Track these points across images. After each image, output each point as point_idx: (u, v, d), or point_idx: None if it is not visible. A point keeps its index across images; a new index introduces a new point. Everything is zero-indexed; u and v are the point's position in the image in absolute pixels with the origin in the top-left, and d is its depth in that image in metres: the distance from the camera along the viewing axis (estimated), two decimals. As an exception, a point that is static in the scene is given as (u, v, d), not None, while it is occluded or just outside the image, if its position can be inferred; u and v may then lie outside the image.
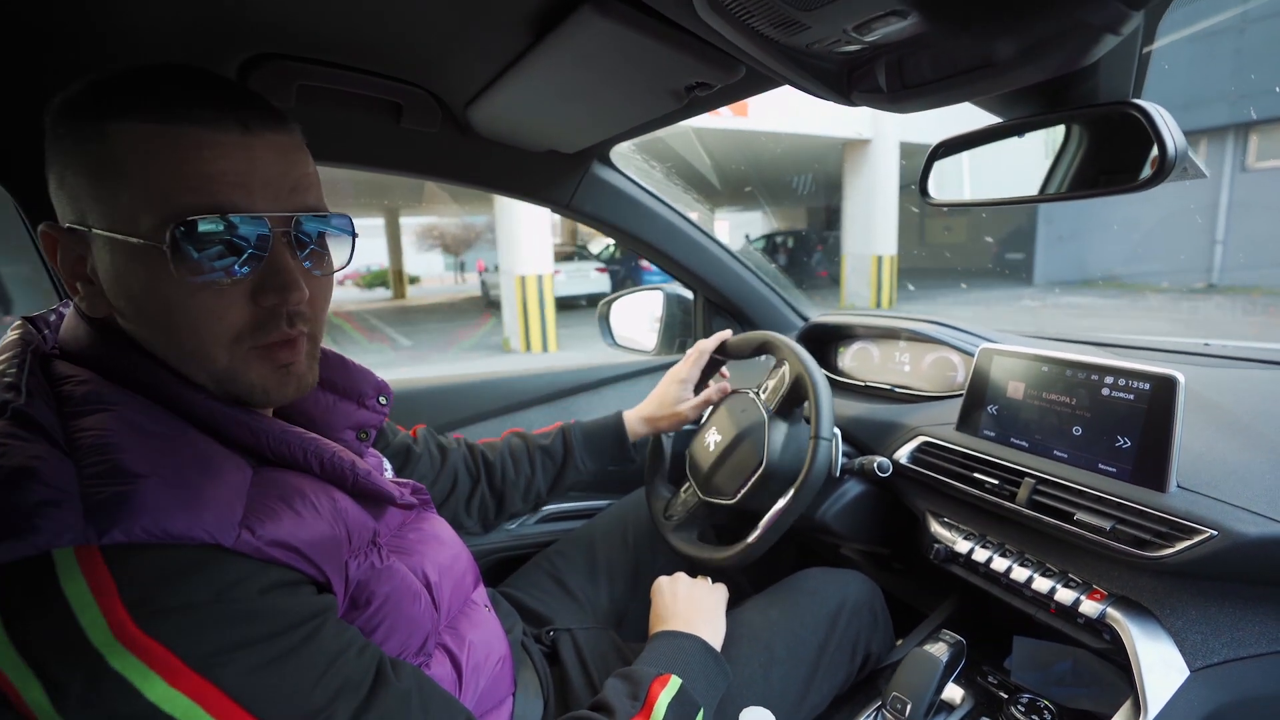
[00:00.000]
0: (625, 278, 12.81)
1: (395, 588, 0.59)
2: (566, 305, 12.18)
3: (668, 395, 1.15)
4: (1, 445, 0.42)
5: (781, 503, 0.92)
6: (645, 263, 10.84)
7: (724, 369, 1.21)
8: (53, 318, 0.59)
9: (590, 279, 12.81)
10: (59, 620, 0.39)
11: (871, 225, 11.15)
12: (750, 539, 0.93)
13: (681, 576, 0.95)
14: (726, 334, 1.17)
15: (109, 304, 0.52)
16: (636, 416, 1.14)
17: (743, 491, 0.99)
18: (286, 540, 0.48)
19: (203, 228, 0.47)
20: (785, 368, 1.03)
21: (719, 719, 0.80)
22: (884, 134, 10.67)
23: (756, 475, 0.98)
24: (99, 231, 0.49)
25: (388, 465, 0.82)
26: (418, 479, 0.92)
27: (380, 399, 0.75)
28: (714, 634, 0.86)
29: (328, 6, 0.72)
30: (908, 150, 10.90)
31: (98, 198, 0.49)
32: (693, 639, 0.82)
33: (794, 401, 1.02)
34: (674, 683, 0.72)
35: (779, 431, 1.00)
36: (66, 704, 0.39)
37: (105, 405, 0.47)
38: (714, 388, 1.17)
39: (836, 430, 0.97)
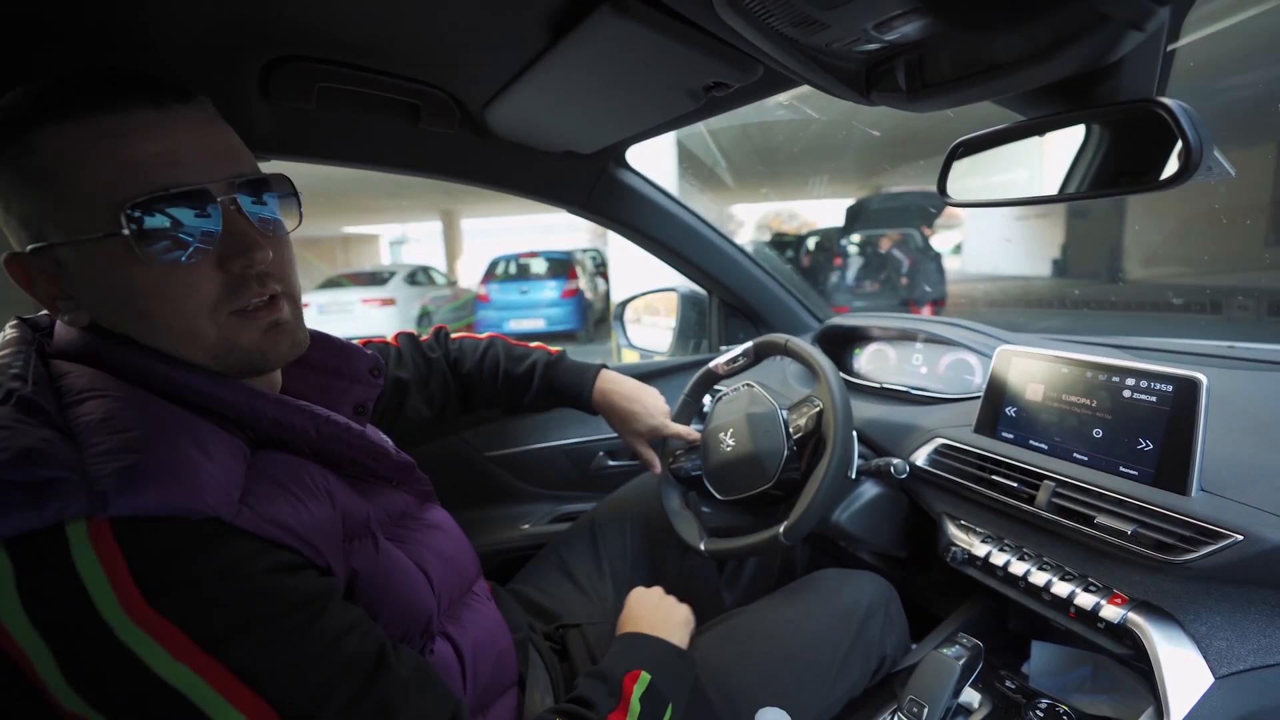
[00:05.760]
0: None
1: (393, 575, 0.60)
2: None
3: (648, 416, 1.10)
4: (9, 428, 0.44)
5: (823, 463, 0.92)
6: (483, 292, 9.02)
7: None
8: (44, 322, 0.60)
9: (354, 315, 8.73)
10: (71, 593, 0.40)
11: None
12: (803, 505, 0.91)
13: (658, 589, 0.96)
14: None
15: (90, 312, 0.53)
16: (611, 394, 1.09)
17: (780, 472, 0.99)
18: (285, 522, 0.49)
19: (154, 207, 0.49)
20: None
21: (733, 717, 0.80)
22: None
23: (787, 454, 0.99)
24: (61, 241, 0.50)
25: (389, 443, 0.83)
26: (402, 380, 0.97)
27: (373, 372, 0.75)
28: (680, 642, 0.86)
29: (350, 9, 0.73)
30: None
31: (47, 211, 0.50)
32: (658, 641, 0.82)
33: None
34: (644, 678, 0.73)
35: (794, 409, 1.03)
36: (76, 675, 0.40)
37: (102, 393, 0.49)
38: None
39: (853, 431, 0.96)
